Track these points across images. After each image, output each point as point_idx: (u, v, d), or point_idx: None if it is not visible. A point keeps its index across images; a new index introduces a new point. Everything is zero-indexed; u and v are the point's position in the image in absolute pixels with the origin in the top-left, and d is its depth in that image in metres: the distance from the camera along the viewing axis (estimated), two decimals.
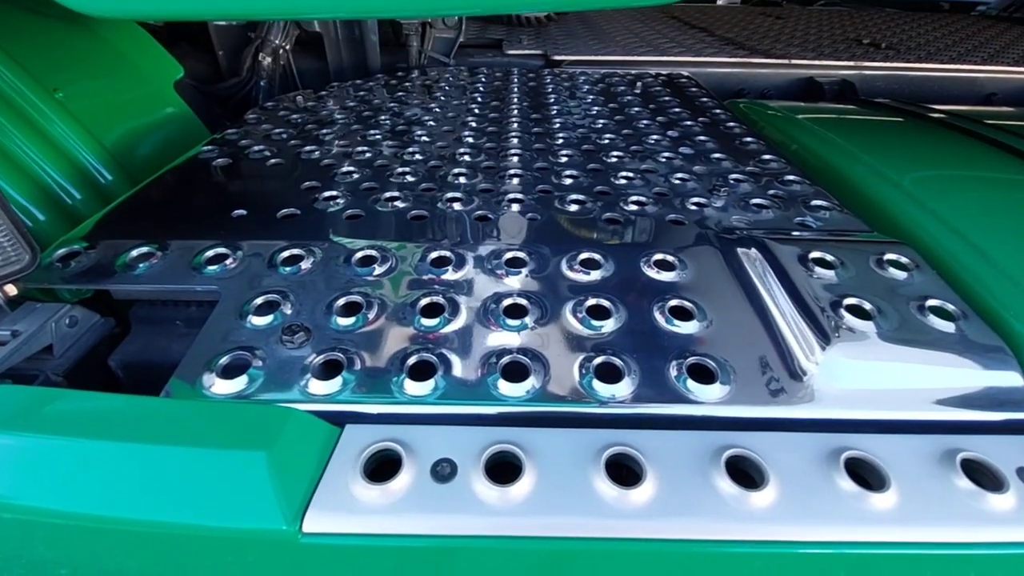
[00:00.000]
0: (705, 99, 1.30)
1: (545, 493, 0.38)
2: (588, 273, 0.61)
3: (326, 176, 0.86)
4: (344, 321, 0.55)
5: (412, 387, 0.47)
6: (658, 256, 0.64)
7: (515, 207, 0.77)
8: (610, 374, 0.49)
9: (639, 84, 1.41)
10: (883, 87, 1.74)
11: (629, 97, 1.31)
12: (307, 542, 0.36)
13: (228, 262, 0.63)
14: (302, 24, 1.56)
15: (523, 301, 0.57)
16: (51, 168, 0.93)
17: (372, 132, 1.06)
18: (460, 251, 0.64)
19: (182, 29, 1.61)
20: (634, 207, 0.77)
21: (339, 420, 0.43)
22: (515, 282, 0.60)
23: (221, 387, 0.48)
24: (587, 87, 1.39)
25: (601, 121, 1.13)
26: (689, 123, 1.13)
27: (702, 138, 1.04)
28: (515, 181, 0.85)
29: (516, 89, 1.38)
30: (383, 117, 1.15)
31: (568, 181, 0.86)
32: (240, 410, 0.42)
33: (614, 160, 0.94)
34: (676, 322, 0.54)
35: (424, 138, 1.03)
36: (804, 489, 0.38)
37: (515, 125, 1.10)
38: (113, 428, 0.40)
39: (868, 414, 0.46)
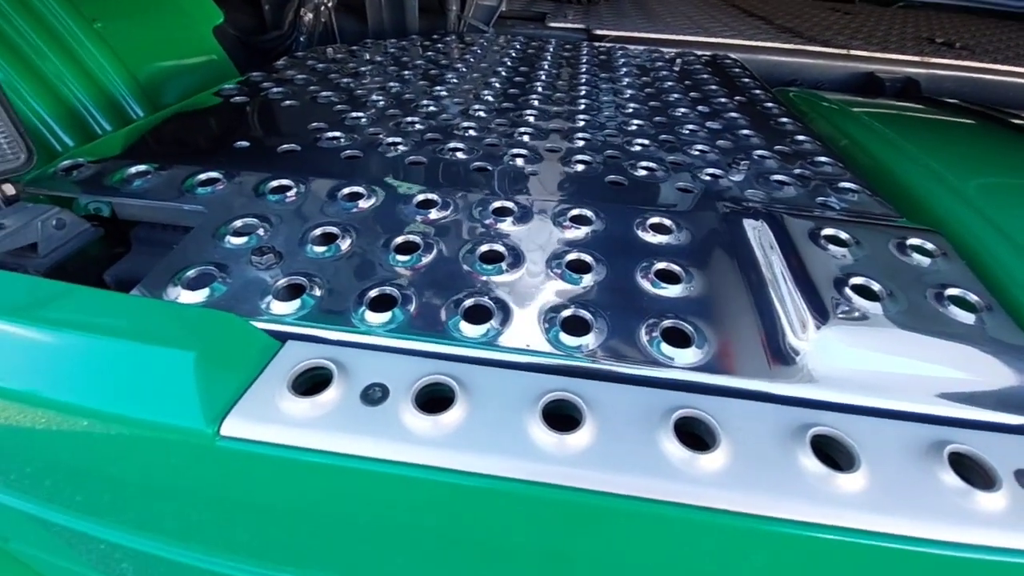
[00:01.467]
0: (747, 80, 1.23)
1: (476, 429, 0.36)
2: (579, 228, 0.58)
3: (335, 120, 0.86)
4: (317, 249, 0.53)
5: (369, 317, 0.46)
6: (655, 219, 0.59)
7: (460, 154, 0.74)
8: (577, 327, 0.46)
9: (678, 61, 1.35)
10: (952, 88, 1.60)
11: (664, 73, 1.24)
12: (222, 446, 0.35)
13: (218, 186, 0.63)
14: None
15: (500, 248, 0.54)
16: (83, 95, 0.96)
17: (392, 84, 1.05)
18: (449, 198, 0.62)
19: None
20: (643, 172, 0.73)
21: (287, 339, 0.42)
22: (488, 226, 0.58)
23: (184, 298, 0.47)
24: (623, 61, 1.34)
25: (630, 92, 1.08)
26: (723, 100, 1.06)
27: (734, 115, 0.98)
28: (519, 136, 0.82)
29: (549, 58, 1.33)
30: (406, 72, 1.14)
31: (580, 143, 0.82)
32: (184, 311, 0.42)
33: (633, 128, 0.89)
34: (663, 285, 0.51)
35: (442, 94, 1.01)
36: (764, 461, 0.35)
37: (538, 91, 1.07)
38: (59, 314, 0.40)
39: (858, 399, 0.41)
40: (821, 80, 1.65)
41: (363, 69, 1.14)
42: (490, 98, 1.00)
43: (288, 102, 0.93)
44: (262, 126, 0.85)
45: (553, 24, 1.71)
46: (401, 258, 0.53)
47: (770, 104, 1.05)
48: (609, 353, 0.44)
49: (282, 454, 0.35)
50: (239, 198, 0.62)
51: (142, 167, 0.66)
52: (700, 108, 1.01)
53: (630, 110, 0.98)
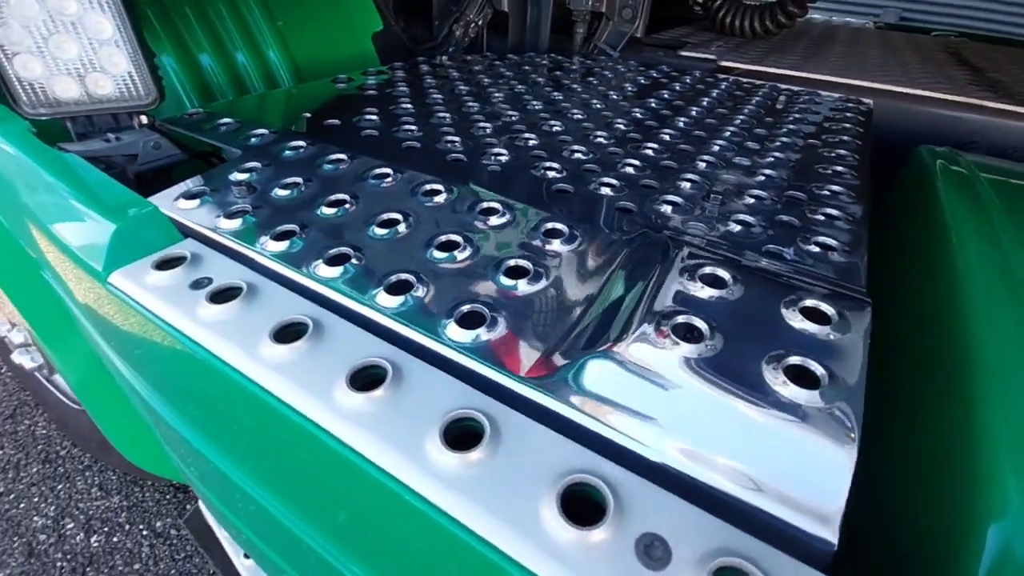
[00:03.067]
0: (847, 124, 1.06)
1: (312, 357, 0.44)
2: (490, 220, 0.63)
3: (428, 114, 1.02)
4: (283, 193, 0.68)
5: (271, 245, 0.58)
6: (550, 225, 0.61)
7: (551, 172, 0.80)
8: (399, 288, 0.51)
9: (780, 98, 1.22)
10: None
11: (749, 108, 1.15)
12: (108, 288, 0.51)
13: (260, 139, 0.84)
14: (494, 4, 1.77)
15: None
16: (256, 77, 1.31)
17: (492, 92, 1.19)
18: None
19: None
20: (607, 190, 0.73)
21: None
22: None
23: (182, 204, 0.66)
24: (717, 91, 1.27)
25: (682, 120, 1.04)
26: (784, 140, 0.95)
27: (777, 155, 0.88)
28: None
29: (662, 87, 1.33)
30: (500, 84, 1.26)
31: (578, 156, 0.84)
32: (141, 204, 0.60)
33: (649, 152, 0.87)
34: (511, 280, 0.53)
35: (528, 109, 1.11)
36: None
37: (633, 117, 1.10)
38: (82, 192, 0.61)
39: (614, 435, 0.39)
40: (1012, 147, 1.31)
41: (481, 78, 1.30)
42: (584, 122, 1.07)
43: (397, 92, 1.13)
44: (365, 112, 1.02)
45: (683, 53, 1.67)
46: (380, 233, 0.64)
47: (844, 152, 0.91)
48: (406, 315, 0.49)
49: (137, 309, 0.49)
50: (276, 153, 0.80)
51: (227, 120, 0.90)
52: (749, 144, 0.93)
53: (665, 135, 0.95)
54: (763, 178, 0.79)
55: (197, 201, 0.66)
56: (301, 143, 0.82)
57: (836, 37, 2.39)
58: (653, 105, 1.14)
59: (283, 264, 0.54)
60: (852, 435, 0.37)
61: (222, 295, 0.48)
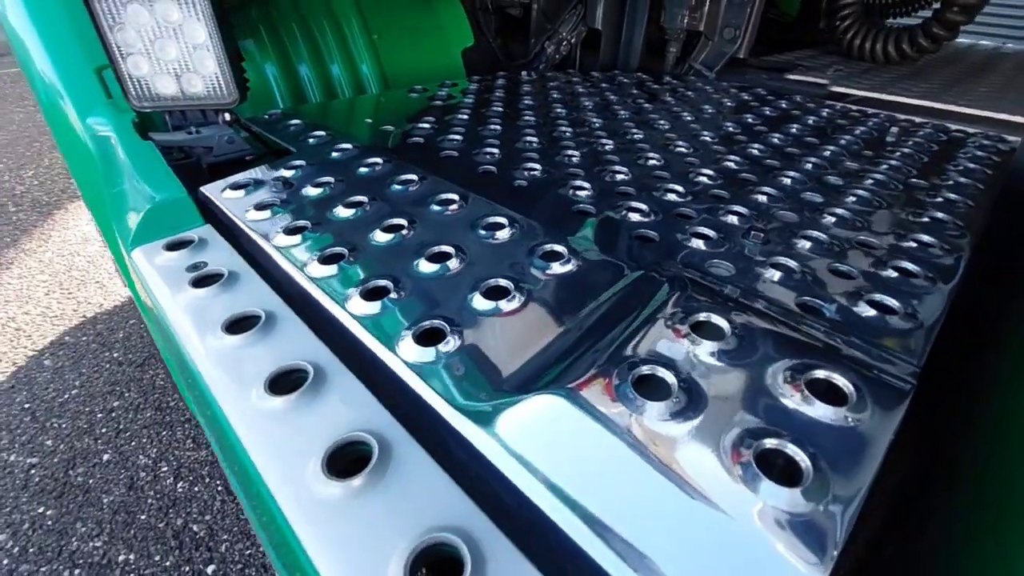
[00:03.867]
0: (972, 165, 0.87)
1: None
2: (496, 232, 0.60)
3: (476, 125, 1.04)
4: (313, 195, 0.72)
5: (282, 239, 0.61)
6: (547, 247, 0.56)
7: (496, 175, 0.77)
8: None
9: (893, 129, 1.04)
10: None
11: (847, 138, 0.99)
12: (131, 256, 0.56)
13: (311, 139, 0.89)
14: (588, 22, 1.74)
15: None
16: (347, 85, 1.40)
17: (557, 107, 1.17)
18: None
19: (517, 19, 2.02)
20: (635, 216, 0.66)
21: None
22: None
23: (228, 193, 0.72)
24: (814, 119, 1.12)
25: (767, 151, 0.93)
26: (878, 176, 0.80)
27: (862, 193, 0.74)
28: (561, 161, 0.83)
29: (760, 114, 1.22)
30: (570, 98, 1.23)
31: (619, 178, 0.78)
32: (177, 189, 0.65)
33: (704, 179, 0.79)
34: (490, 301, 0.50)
35: (591, 128, 1.08)
36: None
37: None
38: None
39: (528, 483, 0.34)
40: None
41: (553, 94, 1.29)
42: (610, 141, 1.02)
43: (466, 102, 1.16)
44: (434, 123, 1.06)
45: (791, 76, 1.52)
46: (382, 237, 0.66)
47: (955, 197, 0.75)
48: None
49: (140, 278, 0.54)
50: (323, 154, 0.85)
51: (295, 121, 0.97)
52: (845, 184, 0.80)
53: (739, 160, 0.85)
54: (832, 219, 0.67)
55: (242, 192, 0.71)
56: (348, 146, 0.85)
57: (999, 65, 2.02)
58: (730, 129, 1.03)
59: (284, 255, 0.56)
60: (829, 554, 0.28)
61: (204, 281, 0.50)
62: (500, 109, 1.11)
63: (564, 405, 0.36)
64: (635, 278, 0.52)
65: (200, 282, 0.50)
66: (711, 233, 0.61)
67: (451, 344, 0.42)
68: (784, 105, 1.23)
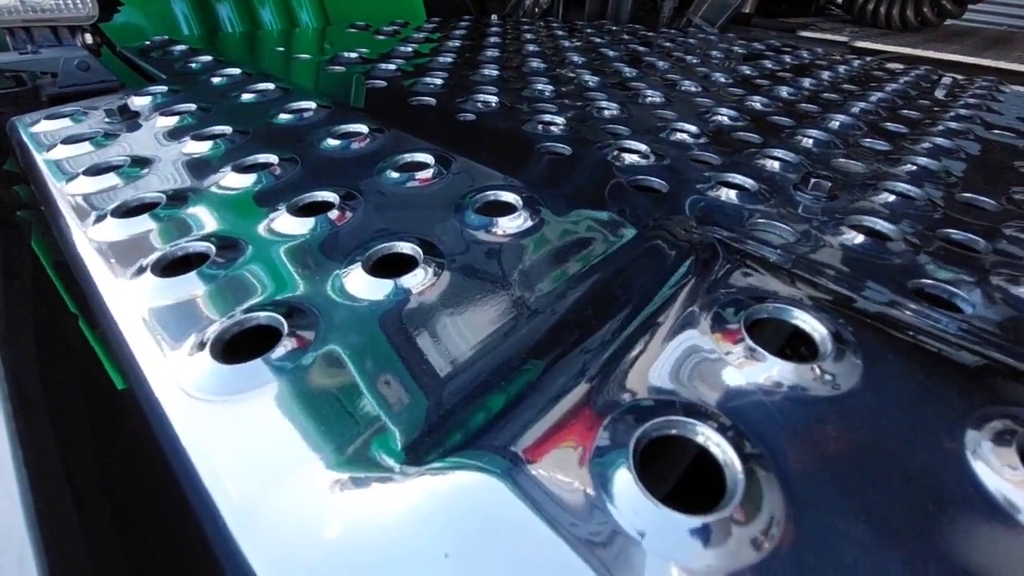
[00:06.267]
0: None
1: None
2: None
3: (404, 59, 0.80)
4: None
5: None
6: (492, 196, 0.34)
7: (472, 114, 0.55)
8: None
9: (943, 80, 0.84)
10: None
11: (895, 86, 0.79)
12: None
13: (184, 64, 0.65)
14: None
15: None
16: (279, 23, 1.15)
17: (522, 52, 0.94)
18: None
19: None
20: (632, 158, 0.44)
21: None
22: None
23: (42, 126, 0.48)
24: (845, 68, 0.91)
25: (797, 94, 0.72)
26: (951, 125, 0.60)
27: (941, 142, 0.53)
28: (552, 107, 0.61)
29: (719, 52, 1.01)
30: (540, 49, 1.01)
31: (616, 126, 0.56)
32: None
33: (723, 119, 0.57)
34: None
35: (572, 64, 0.85)
36: None
37: (652, 85, 0.80)
38: None
39: None
40: None
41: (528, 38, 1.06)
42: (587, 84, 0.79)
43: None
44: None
45: (804, 34, 1.31)
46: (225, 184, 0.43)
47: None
48: None
49: None
50: (199, 82, 0.61)
51: (179, 47, 0.73)
52: (887, 125, 0.59)
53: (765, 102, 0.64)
54: (914, 168, 0.46)
55: (64, 123, 0.48)
56: (235, 71, 0.62)
57: (1019, 39, 1.85)
58: (747, 72, 0.82)
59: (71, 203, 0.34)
60: None
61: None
62: (456, 44, 0.88)
63: (498, 495, 0.14)
64: (632, 240, 0.30)
65: None
66: (747, 182, 0.39)
67: (296, 353, 0.20)
68: (806, 55, 1.02)
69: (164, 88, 0.56)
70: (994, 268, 0.31)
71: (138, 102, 0.54)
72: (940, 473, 0.17)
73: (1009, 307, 0.27)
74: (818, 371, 0.20)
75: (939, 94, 0.81)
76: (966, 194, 0.42)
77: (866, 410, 0.19)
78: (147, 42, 0.77)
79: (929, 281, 0.29)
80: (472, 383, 0.21)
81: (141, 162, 0.41)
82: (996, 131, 0.62)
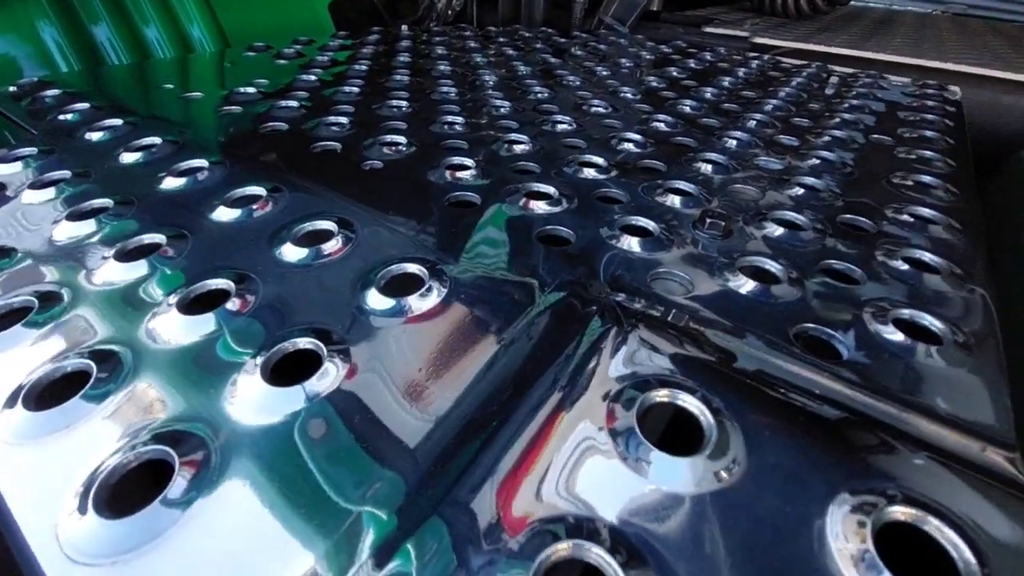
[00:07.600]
0: (931, 117, 0.75)
1: None
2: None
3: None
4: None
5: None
6: (396, 268, 0.34)
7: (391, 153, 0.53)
8: None
9: (832, 79, 0.91)
10: None
11: (787, 91, 0.84)
12: None
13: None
14: None
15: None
16: (170, 51, 1.06)
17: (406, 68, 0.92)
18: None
19: None
20: (540, 205, 0.45)
21: None
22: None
23: None
24: (745, 70, 0.96)
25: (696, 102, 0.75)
26: (836, 133, 0.65)
27: (827, 155, 0.58)
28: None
29: (628, 60, 1.04)
30: (443, 63, 0.99)
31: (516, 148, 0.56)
32: None
33: (629, 145, 0.58)
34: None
35: (483, 85, 0.84)
36: None
37: (568, 94, 0.81)
38: None
39: None
40: None
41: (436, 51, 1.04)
42: (490, 100, 0.79)
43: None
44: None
45: (709, 29, 1.37)
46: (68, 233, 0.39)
47: (929, 154, 0.60)
48: None
49: None
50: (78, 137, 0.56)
51: (55, 92, 0.66)
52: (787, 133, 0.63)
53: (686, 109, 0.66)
54: (801, 191, 0.49)
55: None
56: (118, 122, 0.57)
57: (900, 20, 2.02)
58: (653, 84, 0.84)
59: None
60: None
61: None
62: (364, 68, 0.85)
63: None
64: (541, 311, 0.30)
65: None
66: (650, 225, 0.41)
67: (191, 488, 0.19)
68: (709, 57, 1.07)
69: (34, 150, 0.51)
70: (874, 304, 0.34)
71: (3, 170, 0.49)
72: (805, 566, 0.18)
73: (883, 346, 0.30)
74: (702, 465, 0.21)
75: (828, 92, 0.87)
76: (846, 217, 0.45)
77: (745, 498, 0.20)
78: (12, 88, 0.69)
79: (811, 325, 0.31)
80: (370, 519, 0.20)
81: (4, 252, 0.37)
82: (876, 135, 0.67)
